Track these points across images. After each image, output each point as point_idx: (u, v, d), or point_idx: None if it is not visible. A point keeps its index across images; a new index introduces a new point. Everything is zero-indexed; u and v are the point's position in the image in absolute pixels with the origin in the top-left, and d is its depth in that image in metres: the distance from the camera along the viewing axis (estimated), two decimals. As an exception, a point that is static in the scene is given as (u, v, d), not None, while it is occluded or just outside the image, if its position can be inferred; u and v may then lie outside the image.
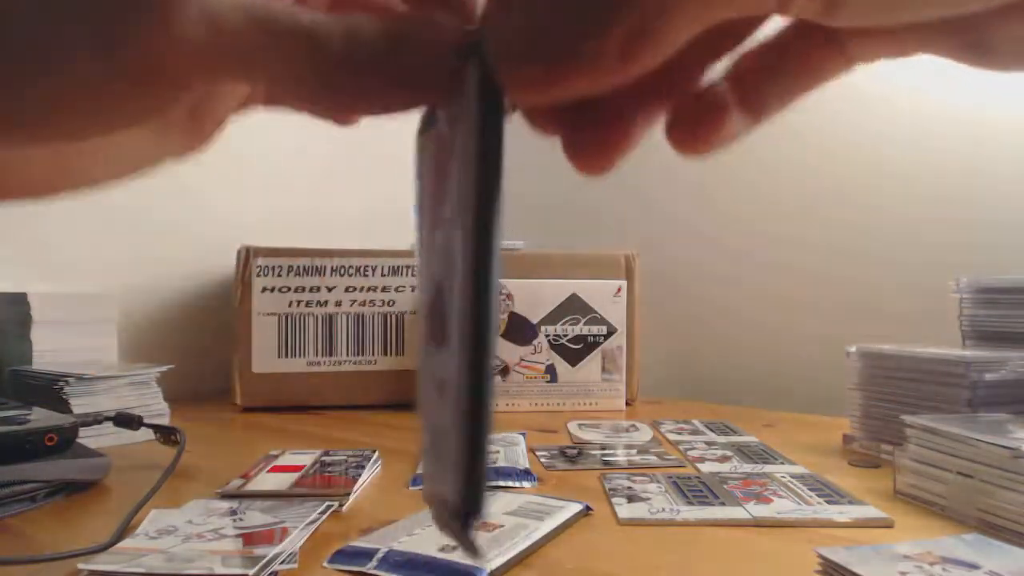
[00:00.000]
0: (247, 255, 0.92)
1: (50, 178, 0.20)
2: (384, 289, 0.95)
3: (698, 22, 0.13)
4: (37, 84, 0.15)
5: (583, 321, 0.93)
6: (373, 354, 0.94)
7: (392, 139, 1.35)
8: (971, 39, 0.15)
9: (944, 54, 0.16)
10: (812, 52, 0.17)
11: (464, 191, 0.15)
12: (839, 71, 0.17)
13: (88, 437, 0.64)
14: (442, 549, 0.41)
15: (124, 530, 0.45)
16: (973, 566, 0.37)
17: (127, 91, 0.16)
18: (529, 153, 1.43)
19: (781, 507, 0.50)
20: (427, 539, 0.42)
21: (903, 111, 0.94)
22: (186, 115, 0.21)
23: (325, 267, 0.94)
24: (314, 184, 1.20)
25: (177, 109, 0.18)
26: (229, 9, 0.15)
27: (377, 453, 0.64)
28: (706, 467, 0.62)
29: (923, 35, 0.16)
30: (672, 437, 0.74)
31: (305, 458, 0.62)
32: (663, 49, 0.13)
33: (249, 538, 0.43)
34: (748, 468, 0.61)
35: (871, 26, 0.15)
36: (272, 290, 0.92)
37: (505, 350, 0.92)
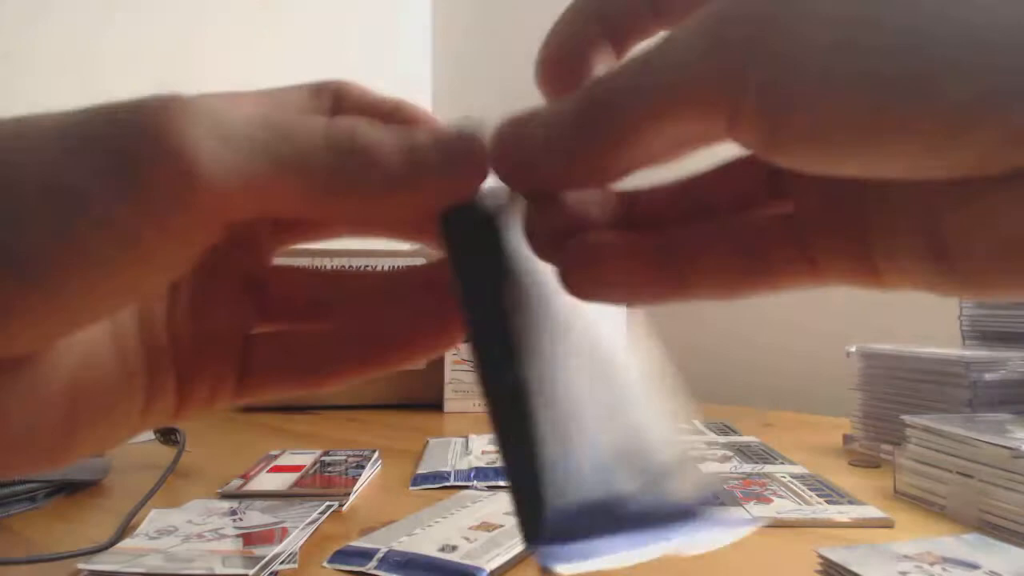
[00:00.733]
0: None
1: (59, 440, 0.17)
2: (384, 289, 0.95)
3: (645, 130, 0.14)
4: (48, 224, 0.13)
5: (583, 321, 0.92)
6: (373, 354, 0.94)
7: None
8: (936, 245, 0.13)
9: (916, 280, 0.15)
10: (776, 251, 0.16)
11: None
12: (805, 282, 0.17)
13: (88, 437, 0.64)
14: (442, 549, 0.41)
15: (124, 530, 0.45)
16: (973, 566, 0.37)
17: (146, 232, 0.14)
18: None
19: (781, 507, 0.50)
20: (427, 539, 0.42)
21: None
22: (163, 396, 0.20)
23: (325, 267, 0.93)
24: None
25: (200, 252, 0.16)
26: (243, 125, 0.14)
27: (377, 453, 0.64)
28: (706, 467, 0.62)
29: (891, 249, 0.15)
30: (672, 437, 0.74)
31: (305, 458, 0.62)
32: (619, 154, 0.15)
33: (249, 538, 0.43)
34: (748, 468, 0.61)
35: (817, 173, 0.13)
36: (272, 290, 0.92)
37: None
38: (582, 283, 0.17)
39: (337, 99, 0.20)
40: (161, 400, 0.19)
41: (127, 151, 0.14)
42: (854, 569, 0.36)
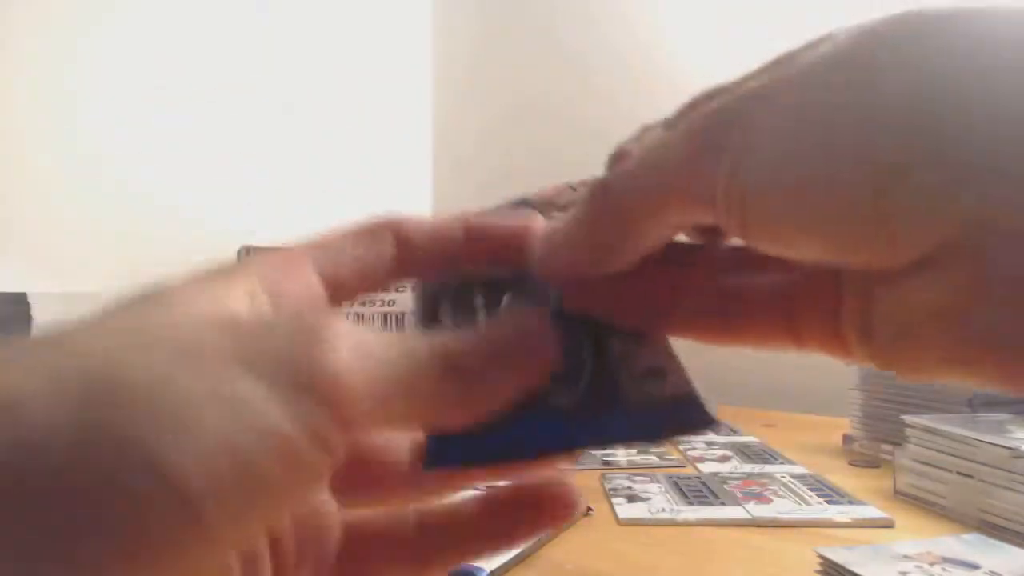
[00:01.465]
0: (247, 255, 0.92)
1: None
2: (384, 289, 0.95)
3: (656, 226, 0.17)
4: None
5: (583, 321, 0.92)
6: (373, 354, 0.94)
7: (391, 141, 1.35)
8: (865, 323, 0.15)
9: (854, 354, 0.16)
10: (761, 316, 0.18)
11: None
12: (784, 344, 0.18)
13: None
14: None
15: (124, 530, 0.45)
16: (973, 566, 0.37)
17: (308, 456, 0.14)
18: (529, 153, 1.42)
19: (781, 507, 0.50)
20: (427, 539, 0.42)
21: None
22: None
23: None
24: (314, 184, 1.20)
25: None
26: (379, 347, 0.15)
27: (377, 453, 0.64)
28: (706, 467, 0.62)
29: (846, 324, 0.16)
30: (672, 437, 0.75)
31: (305, 458, 0.62)
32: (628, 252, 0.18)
33: (249, 538, 0.43)
34: (748, 468, 0.61)
35: (783, 255, 0.15)
36: (272, 290, 0.92)
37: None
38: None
39: (397, 237, 0.20)
40: None
41: (293, 382, 0.14)
42: (854, 569, 0.36)
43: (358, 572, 0.20)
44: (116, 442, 0.12)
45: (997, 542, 0.40)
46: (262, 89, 1.14)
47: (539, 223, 0.19)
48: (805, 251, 0.15)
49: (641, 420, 0.18)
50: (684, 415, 0.18)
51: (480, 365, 0.16)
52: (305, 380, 0.14)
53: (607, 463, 0.64)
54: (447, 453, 0.17)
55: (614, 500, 0.52)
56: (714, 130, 0.15)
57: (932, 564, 0.37)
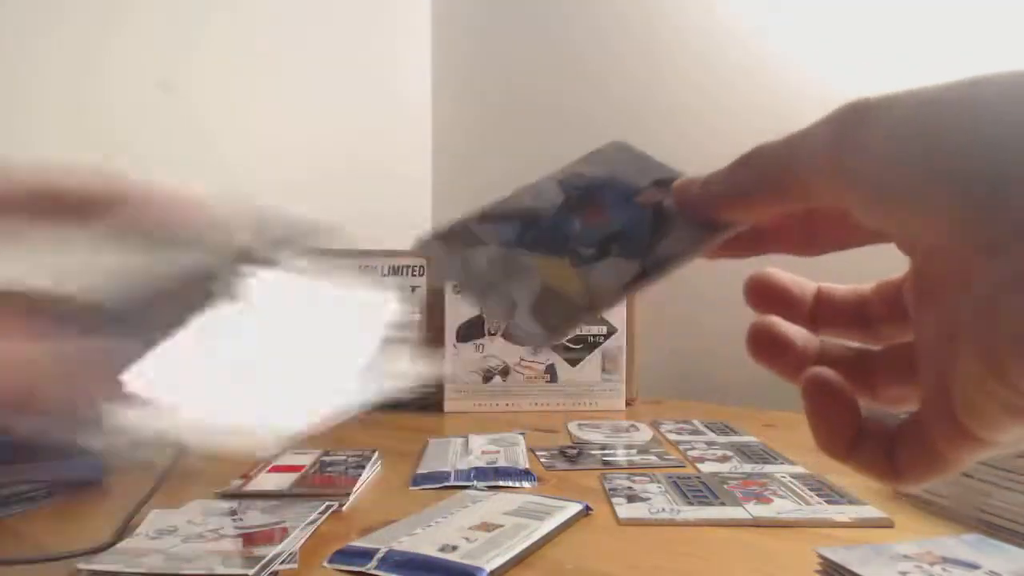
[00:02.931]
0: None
1: None
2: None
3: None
4: None
5: (583, 321, 0.92)
6: (373, 354, 0.94)
7: (391, 141, 1.35)
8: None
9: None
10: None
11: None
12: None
13: (88, 437, 0.64)
14: (442, 549, 0.41)
15: (124, 530, 0.45)
16: (973, 566, 0.37)
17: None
18: (529, 153, 1.42)
19: (781, 507, 0.50)
20: (427, 539, 0.42)
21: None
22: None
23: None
24: (314, 184, 1.20)
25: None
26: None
27: (377, 453, 0.64)
28: (706, 467, 0.62)
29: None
30: (672, 437, 0.74)
31: (305, 458, 0.62)
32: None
33: (249, 538, 0.43)
34: (748, 468, 0.61)
35: (883, 227, 0.20)
36: (272, 290, 0.92)
37: (505, 350, 0.92)
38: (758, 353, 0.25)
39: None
40: None
41: None
42: (854, 569, 0.36)
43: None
44: None
45: (997, 542, 0.40)
46: (262, 89, 1.14)
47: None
48: (904, 226, 0.19)
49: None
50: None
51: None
52: None
53: (607, 463, 0.64)
54: None
55: (614, 500, 0.52)
56: (848, 122, 0.19)
57: (932, 564, 0.37)
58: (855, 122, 0.19)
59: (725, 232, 0.24)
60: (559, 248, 0.24)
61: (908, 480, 0.20)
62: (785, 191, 0.21)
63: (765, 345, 0.24)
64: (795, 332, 0.24)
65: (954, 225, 0.17)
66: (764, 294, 0.25)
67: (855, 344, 0.25)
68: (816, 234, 0.24)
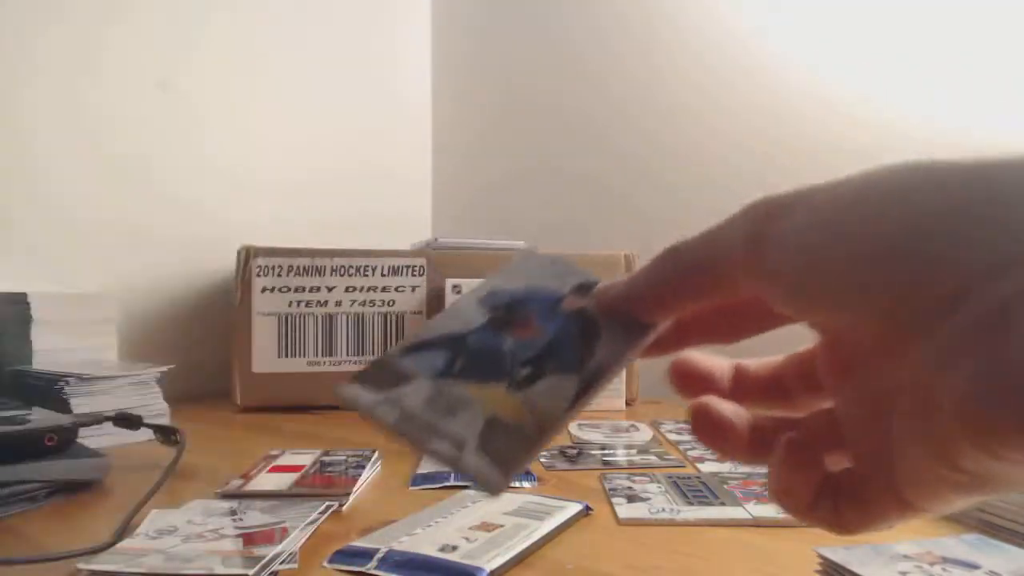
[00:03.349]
0: (247, 255, 0.92)
1: None
2: (384, 289, 0.95)
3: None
4: None
5: (583, 321, 0.92)
6: (373, 354, 0.94)
7: (391, 141, 1.35)
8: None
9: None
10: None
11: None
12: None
13: (88, 437, 0.64)
14: (442, 549, 0.41)
15: (124, 530, 0.45)
16: (973, 566, 0.37)
17: None
18: (529, 153, 1.42)
19: (781, 507, 0.50)
20: (427, 539, 0.42)
21: (906, 129, 0.94)
22: None
23: (325, 267, 0.94)
24: (314, 184, 1.20)
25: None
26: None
27: (377, 453, 0.64)
28: (706, 467, 0.62)
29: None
30: (672, 437, 0.74)
31: (305, 458, 0.62)
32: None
33: (249, 538, 0.43)
34: (748, 468, 0.61)
35: (808, 319, 0.21)
36: (272, 290, 0.92)
37: (505, 350, 0.92)
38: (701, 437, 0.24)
39: None
40: None
41: None
42: (854, 569, 0.36)
43: None
44: None
45: (997, 542, 0.40)
46: (262, 89, 1.14)
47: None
48: (828, 314, 0.20)
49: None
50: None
51: None
52: None
53: (607, 463, 0.64)
54: None
55: (614, 500, 0.52)
56: (760, 218, 0.20)
57: (932, 564, 0.37)
58: (768, 216, 0.20)
59: (651, 331, 0.24)
60: (494, 372, 0.23)
61: (856, 533, 0.21)
62: (706, 287, 0.22)
63: (709, 430, 0.23)
64: (731, 410, 0.24)
65: (876, 311, 0.18)
66: (688, 378, 0.25)
67: (779, 413, 0.25)
68: (737, 322, 0.24)
